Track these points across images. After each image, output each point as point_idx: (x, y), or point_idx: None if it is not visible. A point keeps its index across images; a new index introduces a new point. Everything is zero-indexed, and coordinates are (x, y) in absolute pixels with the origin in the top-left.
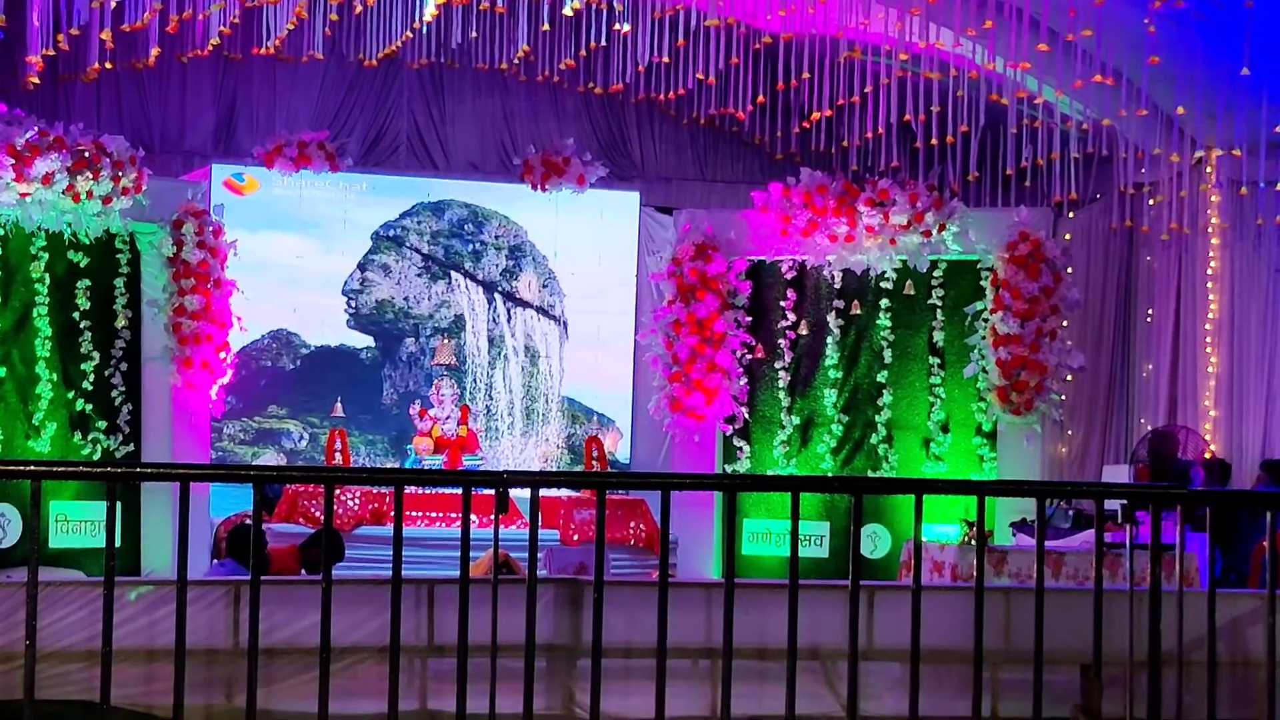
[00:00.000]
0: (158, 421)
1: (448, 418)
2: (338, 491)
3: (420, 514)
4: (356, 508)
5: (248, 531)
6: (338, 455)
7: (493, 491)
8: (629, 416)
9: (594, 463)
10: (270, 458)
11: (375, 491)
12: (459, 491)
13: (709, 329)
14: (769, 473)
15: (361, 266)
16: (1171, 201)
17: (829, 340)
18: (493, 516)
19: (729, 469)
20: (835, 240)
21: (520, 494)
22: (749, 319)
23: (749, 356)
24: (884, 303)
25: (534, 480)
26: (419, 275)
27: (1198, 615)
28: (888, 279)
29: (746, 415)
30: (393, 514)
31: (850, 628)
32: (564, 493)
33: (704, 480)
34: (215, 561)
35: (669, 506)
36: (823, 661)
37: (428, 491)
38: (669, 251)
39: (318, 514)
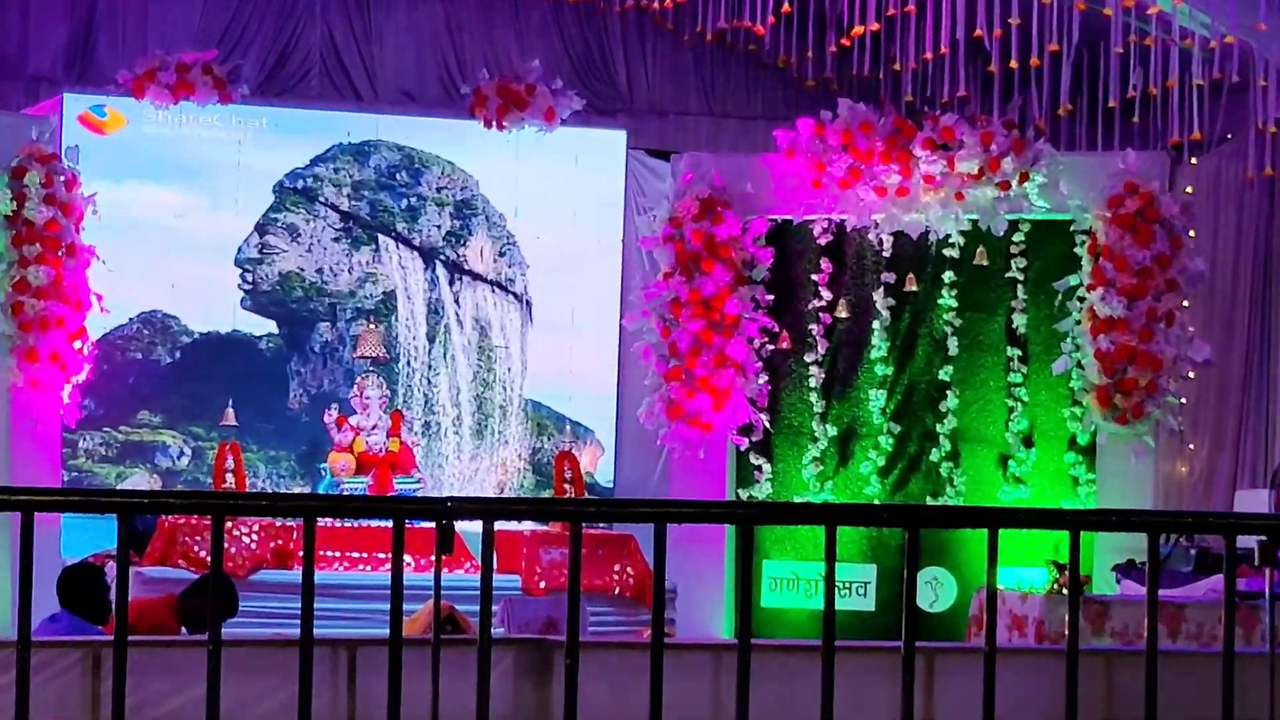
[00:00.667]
0: None
1: (374, 427)
2: (229, 524)
3: (338, 554)
4: (255, 546)
5: (91, 574)
6: (229, 477)
7: (433, 524)
8: (612, 426)
9: (566, 486)
10: (140, 480)
11: (279, 525)
12: (389, 524)
13: (717, 310)
14: (796, 500)
15: (261, 229)
16: None
17: (875, 326)
18: (433, 558)
19: (744, 495)
20: (884, 194)
21: (470, 528)
22: (770, 297)
23: (770, 347)
24: (948, 276)
25: (487, 510)
26: (336, 240)
27: None
28: (953, 245)
29: (767, 424)
30: (301, 554)
31: (903, 705)
32: (527, 526)
33: (711, 510)
34: (46, 617)
35: (665, 544)
36: None
37: (348, 525)
38: (665, 209)
39: (203, 554)
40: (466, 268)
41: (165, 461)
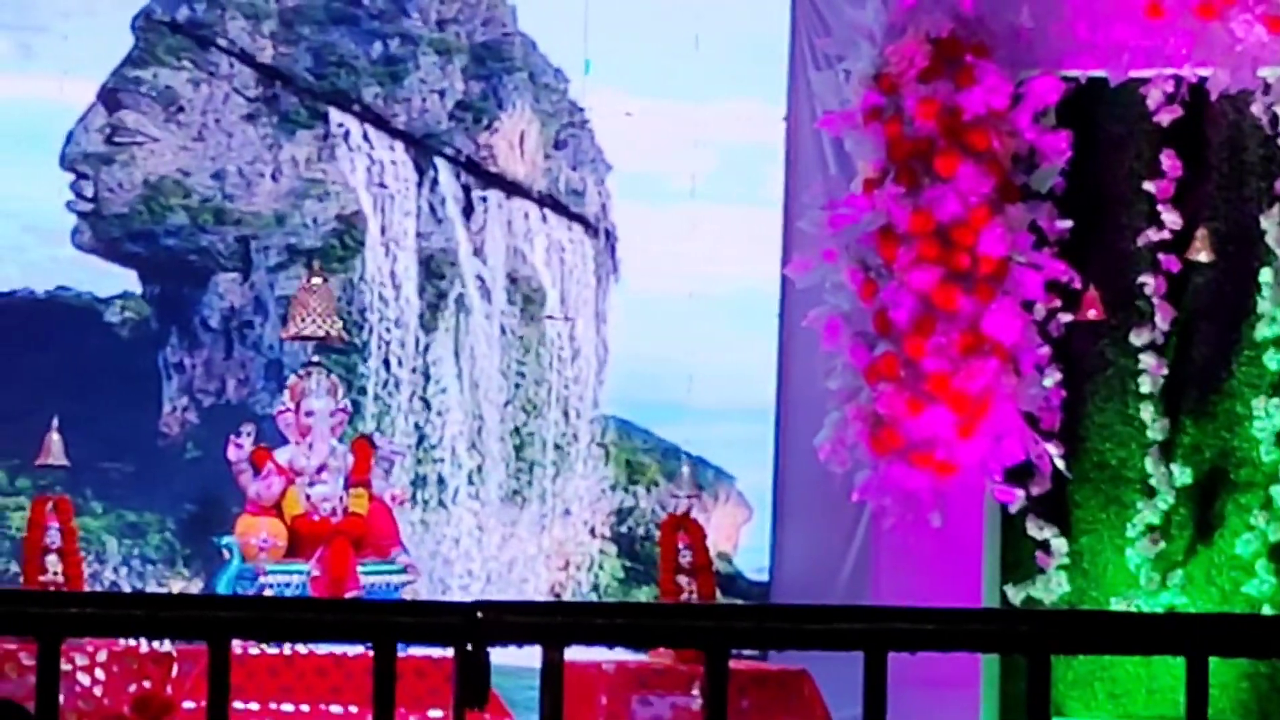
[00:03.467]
0: None
1: (321, 469)
2: (67, 659)
3: (257, 708)
4: (101, 694)
5: None
6: (52, 563)
7: (447, 653)
8: (767, 467)
9: (680, 578)
10: None
11: (148, 651)
12: (362, 652)
13: (965, 248)
14: (1121, 603)
15: (108, 99)
16: None
17: (1266, 279)
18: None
19: (1019, 596)
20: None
21: (509, 659)
22: (1066, 225)
23: (1066, 317)
24: None
25: (547, 626)
26: (250, 119)
27: None
28: None
29: (1060, 460)
30: (188, 707)
31: None
32: (616, 655)
33: (969, 626)
34: None
35: (883, 686)
36: None
37: (278, 653)
38: (868, 58)
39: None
40: (494, 172)
41: None
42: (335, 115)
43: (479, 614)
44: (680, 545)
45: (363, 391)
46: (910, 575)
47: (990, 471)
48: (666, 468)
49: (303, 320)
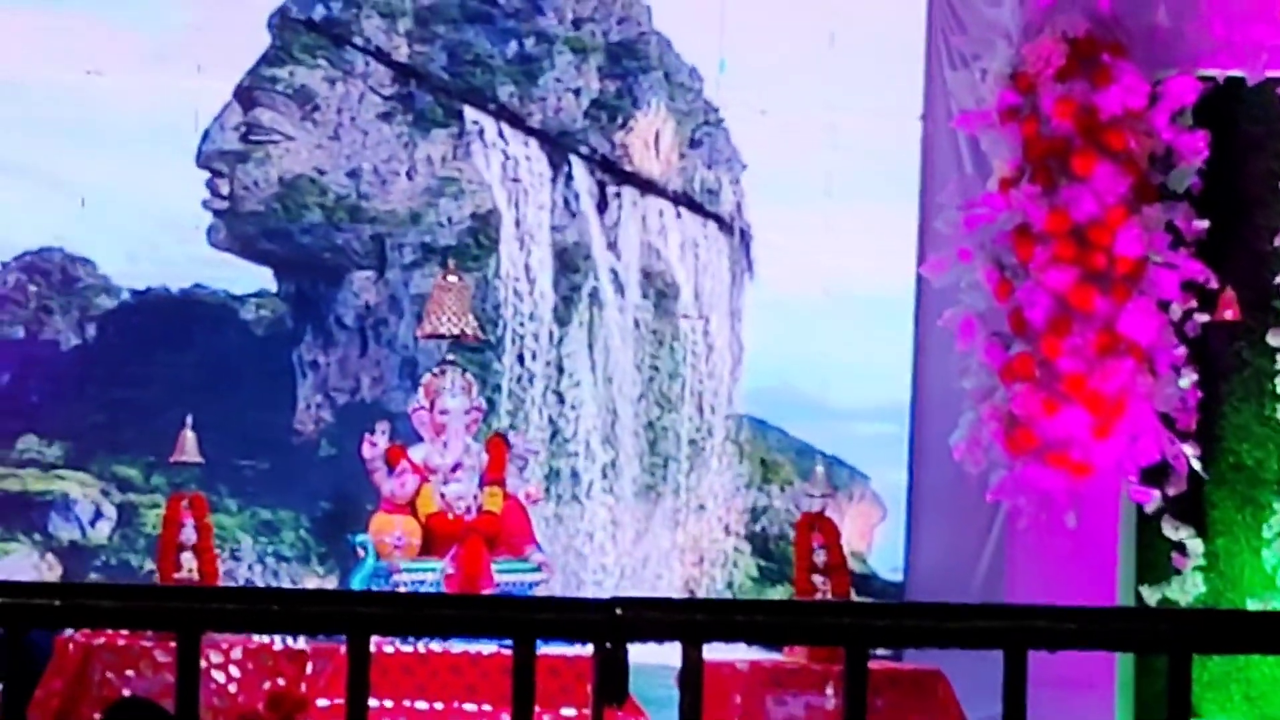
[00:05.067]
0: None
1: (456, 466)
2: (203, 656)
3: (391, 705)
4: (235, 689)
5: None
6: (188, 560)
7: (586, 650)
8: (901, 466)
9: (814, 577)
10: (21, 562)
11: (282, 648)
12: (499, 650)
13: (1102, 248)
14: (1257, 604)
15: (244, 97)
16: None
17: None
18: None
19: (1154, 597)
20: None
21: (646, 657)
22: (1203, 225)
23: (1203, 318)
24: None
25: (688, 624)
26: (386, 118)
27: None
28: None
29: (1197, 460)
30: (323, 704)
31: None
32: (750, 654)
33: (1110, 624)
34: None
35: (1022, 685)
36: None
37: (413, 650)
38: (1003, 57)
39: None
40: (629, 171)
41: (66, 530)
42: (470, 113)
43: (618, 611)
44: (815, 544)
45: (497, 389)
46: (1045, 576)
47: (1126, 472)
48: (801, 466)
49: (438, 318)
